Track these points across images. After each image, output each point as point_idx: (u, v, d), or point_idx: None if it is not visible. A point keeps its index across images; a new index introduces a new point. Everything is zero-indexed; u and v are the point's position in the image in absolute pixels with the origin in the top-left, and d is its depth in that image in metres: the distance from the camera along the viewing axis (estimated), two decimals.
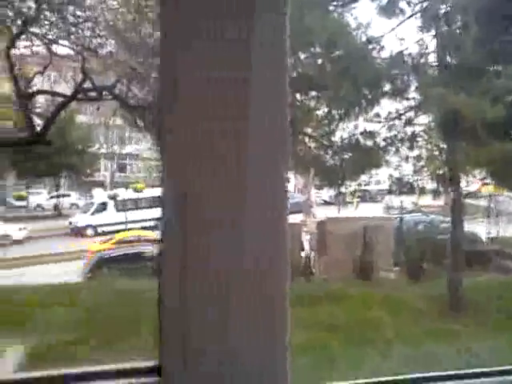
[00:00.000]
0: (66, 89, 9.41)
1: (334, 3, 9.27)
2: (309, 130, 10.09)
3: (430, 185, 10.58)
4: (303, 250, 11.05)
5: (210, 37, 0.87)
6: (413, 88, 9.36)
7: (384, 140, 9.70)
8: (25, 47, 8.32)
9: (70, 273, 10.42)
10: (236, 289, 0.88)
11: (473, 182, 11.34)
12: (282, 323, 0.89)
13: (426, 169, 10.43)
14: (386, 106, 9.66)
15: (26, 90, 8.71)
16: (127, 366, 0.95)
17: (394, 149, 9.87)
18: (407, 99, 9.44)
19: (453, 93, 7.79)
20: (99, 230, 13.00)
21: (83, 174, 13.97)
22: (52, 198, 14.55)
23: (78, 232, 13.09)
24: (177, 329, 0.88)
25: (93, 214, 13.30)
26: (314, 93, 9.26)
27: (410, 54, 9.02)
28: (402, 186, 11.15)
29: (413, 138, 9.65)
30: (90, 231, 13.07)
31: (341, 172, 10.11)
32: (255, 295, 0.89)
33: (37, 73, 8.88)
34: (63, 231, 13.26)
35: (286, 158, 0.90)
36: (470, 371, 1.22)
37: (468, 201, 10.64)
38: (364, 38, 9.18)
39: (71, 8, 7.99)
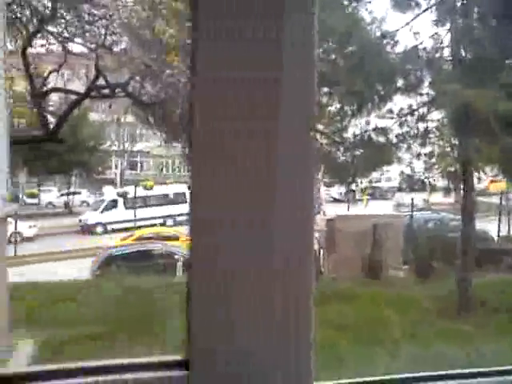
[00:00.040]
0: (79, 87, 9.44)
1: None
2: (320, 127, 10.06)
3: (441, 182, 10.53)
4: None
5: (241, 37, 0.88)
6: (426, 83, 9.29)
7: (396, 136, 9.64)
8: (40, 46, 8.35)
9: (80, 270, 10.46)
10: (265, 288, 0.89)
11: (484, 179, 11.28)
12: (306, 322, 0.91)
13: (437, 166, 10.37)
14: (399, 102, 9.60)
15: (40, 89, 8.75)
16: (155, 359, 0.96)
17: (405, 145, 9.81)
18: (420, 95, 9.36)
19: (467, 88, 7.73)
20: (109, 227, 13.04)
21: (94, 172, 14.01)
22: (63, 195, 14.60)
23: (87, 229, 13.13)
24: (205, 324, 0.89)
25: (103, 211, 13.33)
26: (326, 89, 9.22)
27: (424, 49, 8.94)
28: (412, 184, 11.10)
29: (425, 134, 9.59)
30: (99, 229, 13.10)
31: (352, 169, 10.08)
32: (284, 294, 0.90)
33: (52, 71, 8.91)
34: (73, 229, 13.31)
35: (315, 157, 0.91)
36: (467, 371, 1.23)
37: (479, 198, 10.59)
38: (378, 33, 9.11)
39: (86, 6, 8.02)
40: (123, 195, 13.37)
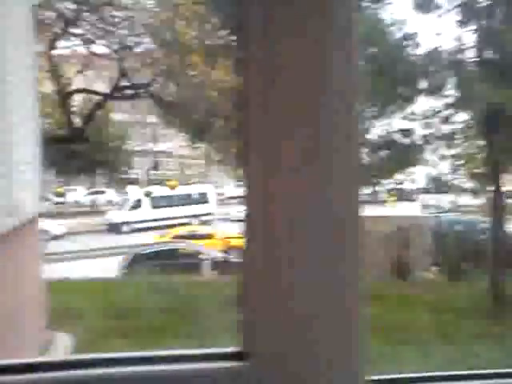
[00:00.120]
0: (102, 87, 9.59)
1: None
2: None
3: (469, 184, 10.34)
4: None
5: (289, 35, 0.89)
6: (450, 85, 9.15)
7: (421, 138, 9.52)
8: (65, 47, 8.53)
9: (108, 268, 10.64)
10: (321, 279, 0.92)
11: None
12: (361, 316, 0.93)
13: (464, 167, 10.20)
14: (423, 104, 9.48)
15: (65, 89, 8.92)
16: (211, 350, 0.97)
17: (430, 147, 9.69)
18: (444, 96, 9.23)
19: (493, 88, 7.57)
20: (134, 226, 13.20)
21: (118, 171, 14.20)
22: (89, 194, 14.85)
23: (113, 228, 13.31)
24: (260, 316, 0.91)
25: (128, 210, 13.51)
26: None
27: (447, 50, 8.81)
28: (439, 185, 10.92)
29: (451, 135, 9.44)
30: (125, 228, 13.27)
31: (377, 170, 10.00)
32: (337, 293, 0.92)
33: (77, 72, 9.08)
34: (99, 227, 13.51)
35: (359, 157, 0.94)
36: (466, 373, 1.24)
37: (509, 200, 10.34)
38: (400, 35, 9.04)
39: (109, 8, 8.14)
40: (148, 195, 13.53)
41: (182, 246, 11.31)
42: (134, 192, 13.93)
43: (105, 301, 8.26)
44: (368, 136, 9.79)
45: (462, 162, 9.99)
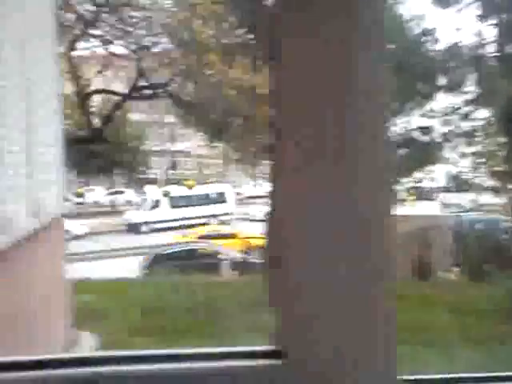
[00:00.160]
0: (121, 87, 9.66)
1: None
2: None
3: (490, 182, 10.19)
4: None
5: (315, 35, 0.89)
6: (470, 81, 9.03)
7: (440, 135, 9.41)
8: (84, 48, 8.61)
9: (128, 268, 10.72)
10: (352, 280, 0.92)
11: None
12: (391, 316, 0.94)
13: (485, 165, 10.06)
14: (442, 101, 9.37)
15: (84, 90, 9.00)
16: (246, 348, 0.98)
17: (450, 144, 9.57)
18: (464, 93, 9.11)
19: None
20: (153, 226, 13.27)
21: (137, 172, 14.29)
22: (108, 194, 14.97)
23: (132, 228, 13.40)
24: (298, 315, 0.92)
25: (147, 210, 13.59)
26: None
27: (467, 46, 8.69)
28: (459, 183, 10.79)
29: (471, 133, 9.31)
30: (144, 228, 13.36)
31: (396, 169, 9.90)
32: (364, 292, 0.93)
33: (96, 73, 9.17)
34: (119, 227, 13.62)
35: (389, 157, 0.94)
36: (465, 375, 1.24)
37: None
38: (418, 30, 8.95)
39: (127, 9, 8.20)
40: (166, 195, 13.60)
41: (202, 246, 11.36)
42: (152, 192, 14.02)
43: (128, 301, 8.33)
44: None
45: (483, 159, 9.85)
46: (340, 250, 0.92)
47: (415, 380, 1.24)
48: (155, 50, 8.79)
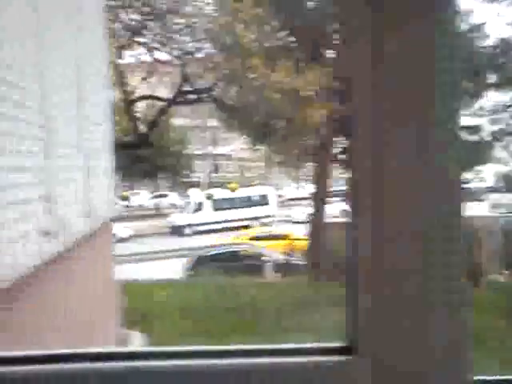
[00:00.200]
0: (165, 93, 9.81)
1: None
2: None
3: None
4: None
5: (393, 36, 0.89)
6: None
7: (490, 134, 9.12)
8: (130, 56, 8.81)
9: (172, 270, 10.87)
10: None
11: None
12: (467, 314, 0.93)
13: None
14: (492, 98, 9.08)
15: (130, 97, 9.20)
16: (314, 345, 0.98)
17: (500, 143, 9.27)
18: None
19: None
20: (196, 228, 13.42)
21: (180, 175, 14.49)
22: (152, 198, 15.24)
23: (176, 231, 13.59)
24: (372, 311, 0.92)
25: (190, 213, 13.75)
26: None
27: None
28: (509, 183, 10.43)
29: None
30: (188, 230, 13.52)
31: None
32: (442, 290, 0.92)
33: (141, 79, 9.36)
34: (163, 230, 13.83)
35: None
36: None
37: None
38: (466, 26, 8.70)
39: (171, 16, 8.33)
40: (209, 197, 13.73)
41: (244, 247, 11.40)
42: (195, 195, 14.18)
43: (174, 301, 8.46)
44: None
45: None
46: (418, 248, 0.92)
47: (484, 381, 1.22)
48: (199, 55, 8.90)
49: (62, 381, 0.93)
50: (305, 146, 10.03)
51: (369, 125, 0.92)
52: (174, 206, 14.98)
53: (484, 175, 11.85)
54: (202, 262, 10.80)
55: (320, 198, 10.00)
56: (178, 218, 13.83)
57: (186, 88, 9.44)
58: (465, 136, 9.41)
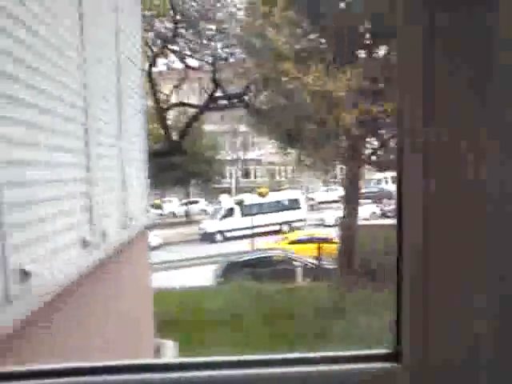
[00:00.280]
0: (196, 100, 9.84)
1: None
2: None
3: None
4: None
5: (451, 34, 0.88)
6: None
7: None
8: (163, 64, 8.87)
9: (203, 277, 10.85)
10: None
11: None
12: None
13: None
14: None
15: (163, 105, 9.25)
16: (362, 352, 0.98)
17: None
18: None
19: None
20: (227, 235, 13.38)
21: (211, 181, 14.50)
22: (183, 205, 15.28)
23: (207, 237, 13.58)
24: (418, 317, 0.91)
25: (221, 219, 13.73)
26: None
27: None
28: None
29: None
30: (218, 236, 13.50)
31: None
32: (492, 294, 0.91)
33: (173, 87, 9.41)
34: (194, 237, 13.84)
35: None
36: None
37: None
38: None
39: (203, 22, 8.35)
40: (240, 203, 13.69)
41: (276, 253, 11.34)
42: (226, 201, 14.16)
43: (205, 308, 8.43)
44: None
45: None
46: (466, 251, 0.91)
47: None
48: (230, 60, 8.89)
49: None
50: (336, 148, 9.92)
51: None
52: (204, 212, 14.99)
53: None
54: (232, 269, 10.76)
55: (351, 201, 9.86)
56: (208, 225, 13.82)
57: (218, 94, 9.45)
58: None
